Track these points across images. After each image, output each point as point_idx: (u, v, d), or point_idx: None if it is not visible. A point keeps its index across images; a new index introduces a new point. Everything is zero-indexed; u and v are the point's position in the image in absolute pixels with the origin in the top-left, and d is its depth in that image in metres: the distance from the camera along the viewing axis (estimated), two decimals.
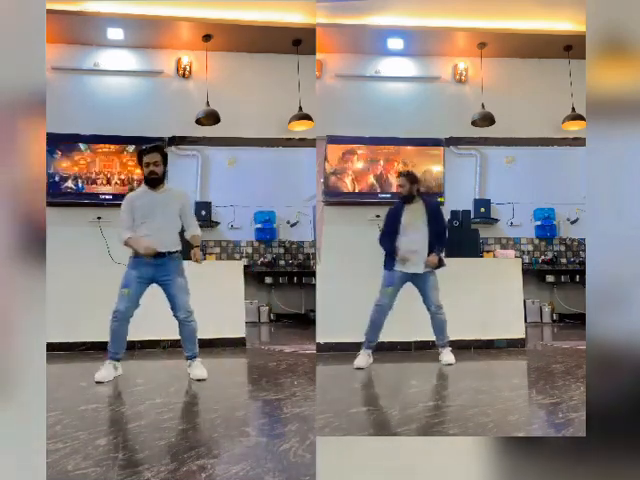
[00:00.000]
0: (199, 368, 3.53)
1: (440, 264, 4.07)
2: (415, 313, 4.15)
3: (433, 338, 4.18)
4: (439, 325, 4.10)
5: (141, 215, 3.53)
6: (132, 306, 3.52)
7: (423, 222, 4.10)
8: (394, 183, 5.01)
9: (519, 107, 5.33)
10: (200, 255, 3.55)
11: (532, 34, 5.11)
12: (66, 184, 4.83)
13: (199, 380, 3.43)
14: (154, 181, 3.55)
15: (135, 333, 4.73)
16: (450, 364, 4.00)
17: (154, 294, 4.83)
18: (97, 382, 3.38)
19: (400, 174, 4.29)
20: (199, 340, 4.42)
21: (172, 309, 3.57)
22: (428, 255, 4.02)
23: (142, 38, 5.09)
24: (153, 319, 4.75)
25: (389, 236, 4.14)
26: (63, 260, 4.56)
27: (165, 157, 3.61)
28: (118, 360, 3.59)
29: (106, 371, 3.49)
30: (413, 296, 4.05)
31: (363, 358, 3.99)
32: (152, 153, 3.54)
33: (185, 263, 4.50)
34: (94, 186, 4.89)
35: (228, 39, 5.10)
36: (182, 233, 3.66)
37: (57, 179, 4.82)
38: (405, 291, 4.07)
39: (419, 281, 4.08)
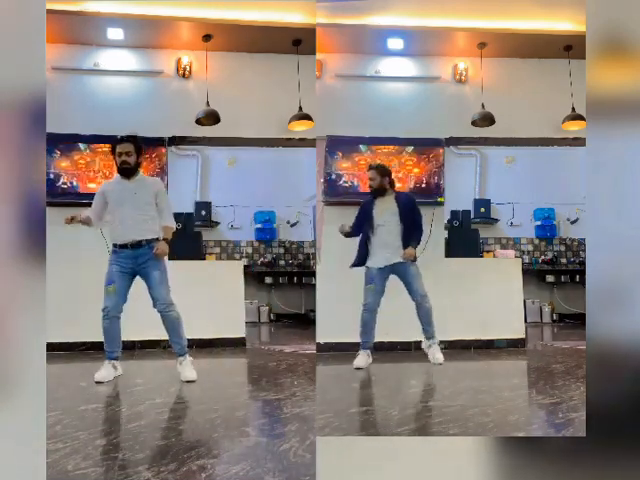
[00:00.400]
0: (188, 369, 3.49)
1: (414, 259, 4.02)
2: (414, 315, 4.15)
3: (425, 346, 4.15)
4: (425, 314, 4.02)
5: (113, 204, 3.55)
6: (120, 302, 3.53)
7: (395, 215, 4.04)
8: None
9: (519, 107, 5.32)
10: (164, 249, 3.48)
11: (532, 34, 5.10)
12: (61, 182, 4.81)
13: (188, 382, 3.39)
14: (126, 171, 3.55)
15: (135, 333, 4.77)
16: (440, 363, 3.95)
17: None
18: (97, 382, 3.37)
19: (370, 167, 4.22)
20: (199, 340, 4.43)
21: (152, 300, 3.55)
22: (404, 248, 3.97)
23: (142, 38, 5.09)
24: (153, 319, 4.76)
25: (357, 231, 4.13)
26: (63, 260, 4.56)
27: (139, 148, 3.60)
28: (116, 359, 3.59)
29: (106, 371, 3.49)
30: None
31: (362, 358, 3.98)
32: (124, 143, 3.55)
33: (184, 263, 4.52)
34: (93, 185, 4.88)
35: (228, 39, 5.09)
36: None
37: (52, 177, 4.82)
38: (405, 291, 4.06)
39: (399, 272, 4.03)
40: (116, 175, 3.65)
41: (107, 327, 3.56)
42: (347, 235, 4.15)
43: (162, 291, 3.51)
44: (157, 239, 3.50)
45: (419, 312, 4.03)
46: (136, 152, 3.56)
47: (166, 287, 3.53)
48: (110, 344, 3.58)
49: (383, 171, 4.14)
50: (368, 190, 4.21)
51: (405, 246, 3.98)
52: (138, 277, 3.54)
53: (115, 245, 3.53)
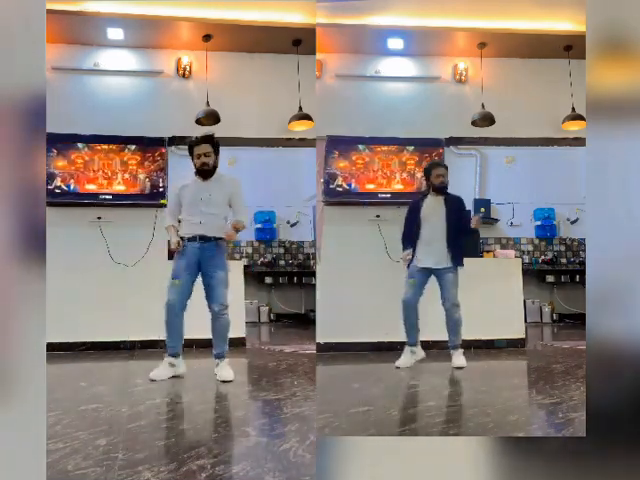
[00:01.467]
0: (226, 369, 3.52)
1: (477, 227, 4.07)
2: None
3: (433, 338, 4.17)
4: (453, 324, 3.99)
5: (188, 204, 3.56)
6: (184, 296, 3.51)
7: (443, 214, 4.04)
8: (394, 182, 5.01)
9: (519, 107, 5.32)
10: (232, 235, 3.58)
11: (532, 34, 5.10)
12: (55, 184, 4.79)
13: (225, 382, 3.42)
14: (206, 172, 3.55)
15: (136, 333, 4.78)
16: (460, 367, 3.91)
17: (154, 295, 4.83)
18: (151, 380, 3.40)
19: (438, 164, 4.26)
20: (199, 340, 4.42)
21: (207, 299, 3.56)
22: (450, 253, 3.98)
23: (142, 38, 5.09)
24: (153, 319, 4.76)
25: (409, 230, 4.11)
26: (63, 260, 4.56)
27: (217, 147, 3.60)
28: (176, 356, 3.58)
29: (162, 369, 3.51)
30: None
31: (405, 357, 3.96)
32: (203, 144, 3.53)
33: None
34: (92, 186, 4.88)
35: (228, 39, 5.09)
36: None
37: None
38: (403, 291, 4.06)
39: (438, 276, 4.01)
40: (194, 176, 3.65)
41: (170, 321, 3.53)
42: (406, 259, 4.10)
43: (222, 291, 3.54)
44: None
45: (447, 321, 4.00)
46: (214, 152, 3.58)
47: (226, 288, 3.57)
48: (171, 339, 3.56)
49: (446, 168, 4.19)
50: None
51: (453, 249, 3.98)
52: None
53: (183, 239, 3.54)
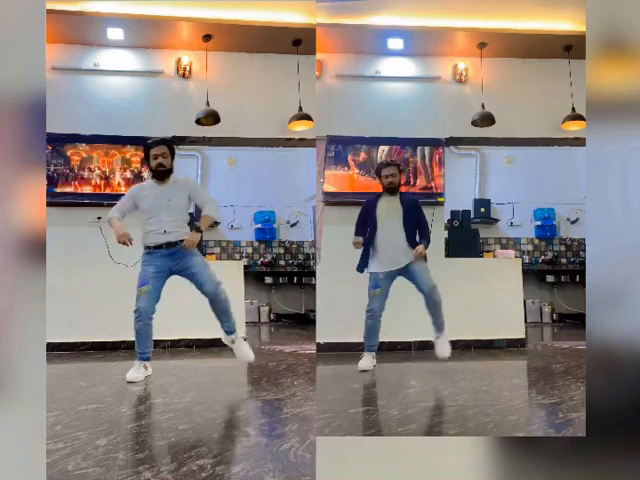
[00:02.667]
0: (244, 348, 3.68)
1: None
2: (415, 313, 4.15)
3: (433, 338, 4.15)
4: (434, 306, 3.88)
5: (147, 210, 3.53)
6: (153, 303, 3.52)
7: (400, 216, 3.91)
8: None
9: (519, 107, 5.33)
10: (194, 239, 3.47)
11: (532, 34, 5.10)
12: (54, 184, 4.79)
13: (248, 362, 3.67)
14: (162, 173, 3.54)
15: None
16: (445, 357, 3.91)
17: None
18: (129, 382, 3.38)
19: (387, 163, 4.10)
20: (199, 340, 4.43)
21: (199, 288, 3.55)
22: (412, 248, 3.85)
23: (142, 38, 5.09)
24: (153, 319, 4.76)
25: (364, 232, 3.95)
26: (63, 260, 4.57)
27: (172, 150, 3.60)
28: (147, 360, 3.59)
29: (136, 372, 3.50)
30: (413, 296, 4.03)
31: (367, 360, 3.89)
32: (159, 146, 3.53)
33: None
34: (92, 186, 4.87)
35: (228, 39, 5.10)
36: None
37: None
38: (405, 290, 4.05)
39: (406, 272, 3.90)
40: (148, 179, 3.66)
41: (140, 329, 3.54)
42: (358, 243, 3.94)
43: (207, 271, 3.54)
44: None
45: (428, 304, 3.88)
46: (170, 154, 3.57)
47: (210, 268, 3.57)
48: (142, 345, 3.57)
49: (400, 168, 4.08)
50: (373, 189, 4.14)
51: (413, 245, 3.86)
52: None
53: (149, 247, 3.52)
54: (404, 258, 3.88)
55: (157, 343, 4.71)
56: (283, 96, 5.13)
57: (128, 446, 2.23)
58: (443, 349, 3.95)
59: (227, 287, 5.01)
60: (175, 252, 3.49)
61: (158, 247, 3.49)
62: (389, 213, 3.95)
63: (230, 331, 3.64)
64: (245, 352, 3.69)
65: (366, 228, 3.97)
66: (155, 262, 3.49)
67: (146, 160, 3.62)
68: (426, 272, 3.90)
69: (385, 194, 4.02)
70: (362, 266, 3.96)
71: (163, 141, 3.58)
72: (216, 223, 3.56)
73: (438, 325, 3.95)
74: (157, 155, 3.51)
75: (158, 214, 3.50)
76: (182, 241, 3.48)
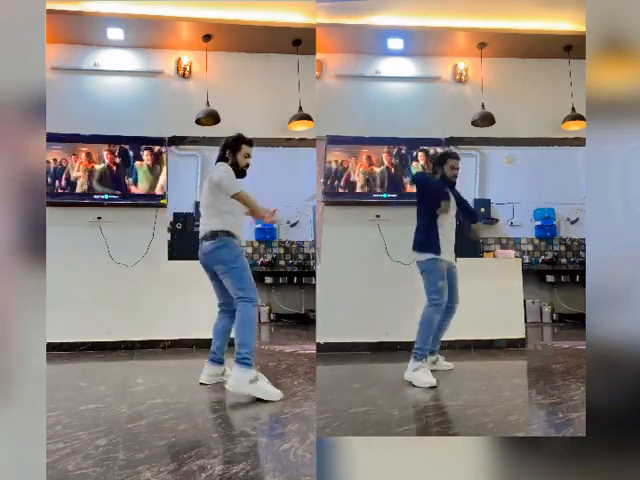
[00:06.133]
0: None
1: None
2: (415, 313, 4.14)
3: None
4: (449, 320, 3.79)
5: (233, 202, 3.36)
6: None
7: (454, 211, 3.79)
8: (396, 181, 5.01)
9: (519, 107, 5.33)
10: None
11: (532, 34, 5.10)
12: (54, 184, 4.80)
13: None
14: (244, 174, 3.46)
15: (136, 333, 4.78)
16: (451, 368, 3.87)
17: (154, 295, 4.84)
18: (201, 383, 3.34)
19: (454, 155, 3.85)
20: (199, 340, 4.42)
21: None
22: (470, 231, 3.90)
23: (142, 38, 5.09)
24: (153, 319, 4.77)
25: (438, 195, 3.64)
26: (63, 260, 4.56)
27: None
28: (219, 362, 3.45)
29: (208, 371, 3.43)
30: (414, 295, 4.03)
31: (427, 370, 3.50)
32: (250, 146, 3.48)
33: (184, 263, 4.53)
34: (91, 186, 4.87)
35: (228, 39, 5.10)
36: None
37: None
38: (407, 288, 4.05)
39: (449, 274, 3.70)
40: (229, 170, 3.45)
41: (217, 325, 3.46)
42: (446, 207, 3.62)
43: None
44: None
45: (447, 320, 3.76)
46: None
47: None
48: (214, 344, 3.45)
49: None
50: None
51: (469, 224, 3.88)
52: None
53: (234, 236, 3.33)
54: (452, 256, 3.76)
55: (157, 343, 4.74)
56: (283, 96, 5.13)
57: (128, 446, 2.23)
58: (444, 362, 3.92)
59: None
60: None
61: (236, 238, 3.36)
62: (453, 204, 3.76)
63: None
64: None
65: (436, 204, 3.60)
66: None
67: (232, 153, 3.42)
68: (457, 285, 3.81)
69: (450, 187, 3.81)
70: (427, 247, 3.59)
71: (252, 142, 3.52)
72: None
73: (438, 344, 3.89)
74: (249, 154, 3.46)
75: (239, 210, 3.42)
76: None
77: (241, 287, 3.19)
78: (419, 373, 3.42)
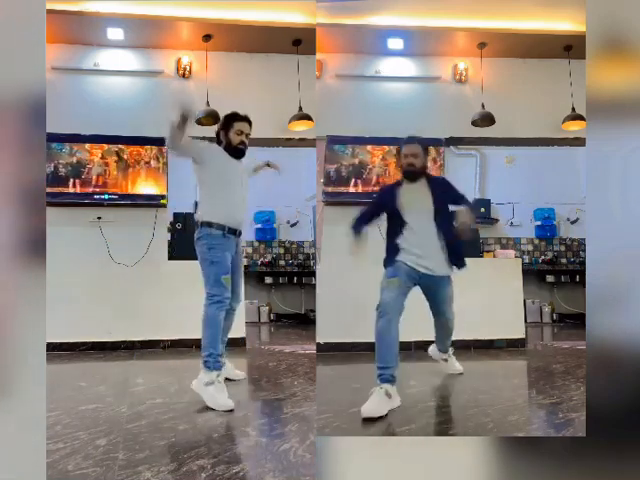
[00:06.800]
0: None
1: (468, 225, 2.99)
2: (415, 313, 4.14)
3: (433, 338, 4.15)
4: (446, 334, 3.49)
5: (220, 176, 3.14)
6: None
7: (427, 205, 3.11)
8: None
9: (519, 107, 5.33)
10: None
11: (532, 34, 5.10)
12: (54, 184, 4.80)
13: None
14: (241, 152, 3.23)
15: (136, 333, 4.78)
16: (460, 371, 3.66)
17: (154, 295, 4.84)
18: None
19: (410, 139, 3.22)
20: (198, 340, 4.42)
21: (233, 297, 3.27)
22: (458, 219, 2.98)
23: (142, 38, 5.09)
24: (154, 319, 4.77)
25: (366, 221, 3.25)
26: (63, 260, 4.57)
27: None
28: (219, 368, 3.02)
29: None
30: (414, 295, 4.02)
31: (376, 400, 2.70)
32: (245, 122, 3.23)
33: (185, 263, 4.51)
34: (92, 186, 4.87)
35: (228, 39, 5.10)
36: None
37: None
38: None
39: (431, 285, 3.18)
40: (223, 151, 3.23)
41: (219, 320, 3.09)
42: (356, 231, 3.24)
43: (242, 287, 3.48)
44: None
45: (437, 329, 3.46)
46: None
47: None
48: (211, 343, 3.06)
49: (425, 147, 3.25)
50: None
51: (448, 248, 3.10)
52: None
53: (223, 228, 3.08)
54: (433, 264, 3.10)
55: (157, 343, 4.74)
56: (283, 96, 5.13)
57: (128, 446, 2.23)
58: (456, 365, 3.71)
59: None
60: (238, 244, 3.31)
61: (232, 232, 3.15)
62: (412, 203, 3.15)
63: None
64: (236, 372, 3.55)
65: (375, 218, 3.29)
66: (230, 249, 3.16)
67: (224, 133, 3.23)
68: (450, 301, 3.27)
69: (405, 181, 3.22)
70: (390, 260, 3.17)
71: (247, 118, 3.25)
72: None
73: (445, 347, 3.63)
74: (242, 131, 3.21)
75: (234, 188, 3.24)
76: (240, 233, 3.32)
77: (206, 283, 3.07)
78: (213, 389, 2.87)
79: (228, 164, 3.20)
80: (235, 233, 3.19)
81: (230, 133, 3.22)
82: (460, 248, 3.18)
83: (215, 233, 3.07)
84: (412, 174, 3.17)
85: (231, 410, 2.79)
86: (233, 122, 3.22)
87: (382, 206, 3.26)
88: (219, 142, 3.27)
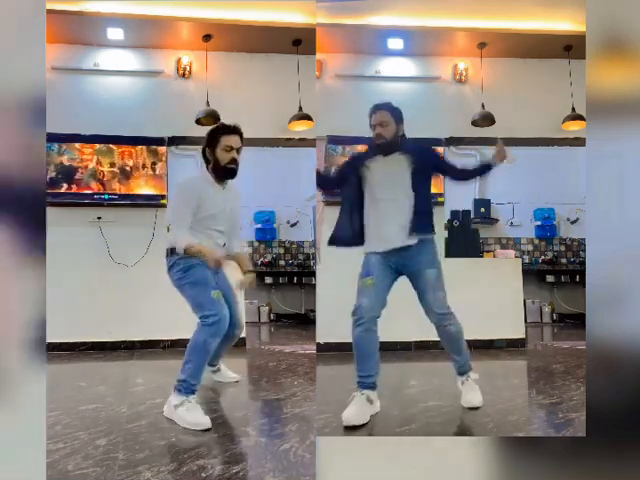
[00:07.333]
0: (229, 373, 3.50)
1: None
2: (415, 312, 4.13)
3: (433, 338, 4.13)
4: (449, 338, 2.83)
5: (211, 214, 2.81)
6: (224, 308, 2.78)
7: (403, 178, 2.75)
8: None
9: (519, 107, 5.33)
10: (252, 282, 2.90)
11: (532, 34, 5.11)
12: (54, 184, 4.81)
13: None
14: (231, 173, 2.81)
15: (136, 333, 4.78)
16: (474, 407, 2.77)
17: (154, 295, 4.83)
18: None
19: (377, 107, 2.84)
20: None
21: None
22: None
23: (142, 38, 5.09)
24: (153, 319, 4.77)
25: (333, 184, 3.03)
26: (63, 260, 4.56)
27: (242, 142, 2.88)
28: (193, 392, 2.69)
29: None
30: (414, 295, 4.00)
31: (355, 407, 2.58)
32: (235, 135, 2.81)
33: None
34: (91, 186, 4.87)
35: (228, 39, 5.10)
36: None
37: None
38: (406, 289, 4.04)
39: (412, 271, 2.75)
40: (207, 174, 2.88)
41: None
42: (321, 181, 2.99)
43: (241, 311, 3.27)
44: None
45: (440, 336, 2.85)
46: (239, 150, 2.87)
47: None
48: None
49: (398, 113, 2.89)
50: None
51: (422, 222, 2.73)
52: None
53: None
54: (394, 236, 2.73)
55: (157, 343, 4.74)
56: (283, 96, 5.13)
57: (128, 446, 2.23)
58: (468, 397, 2.82)
59: None
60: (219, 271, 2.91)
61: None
62: (385, 178, 2.79)
63: (216, 363, 3.39)
64: (229, 374, 3.45)
65: (338, 186, 2.97)
66: (206, 267, 2.78)
67: (211, 151, 2.81)
68: (438, 288, 2.78)
69: (377, 155, 2.83)
70: (339, 239, 2.89)
71: (236, 130, 2.84)
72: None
73: (460, 364, 2.89)
74: (232, 147, 2.78)
75: (223, 220, 2.87)
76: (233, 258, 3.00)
77: (194, 307, 2.77)
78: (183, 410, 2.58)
79: (208, 196, 2.79)
80: None
81: (217, 150, 2.80)
82: (426, 215, 2.77)
83: (189, 257, 2.75)
84: (382, 147, 2.79)
85: (208, 429, 2.44)
86: (220, 137, 2.81)
87: (345, 179, 2.88)
88: (207, 161, 2.88)
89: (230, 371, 3.51)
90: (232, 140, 2.81)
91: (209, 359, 2.74)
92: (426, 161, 2.86)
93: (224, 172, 2.82)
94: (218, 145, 2.80)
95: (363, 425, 2.52)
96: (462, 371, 2.89)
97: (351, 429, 2.47)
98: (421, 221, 2.74)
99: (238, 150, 2.83)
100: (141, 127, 4.95)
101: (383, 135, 2.78)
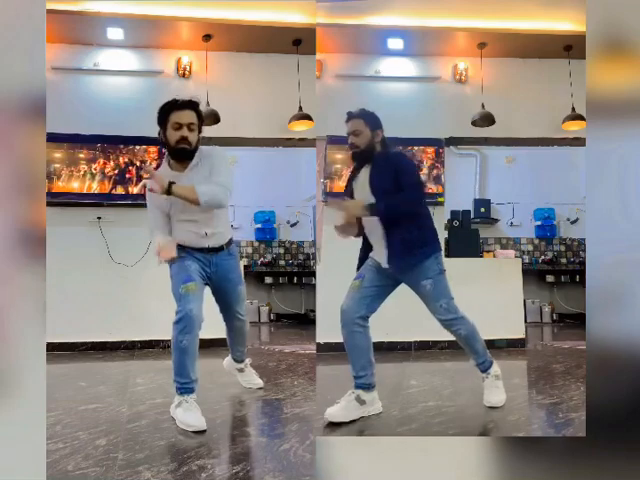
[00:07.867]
0: (253, 374, 3.33)
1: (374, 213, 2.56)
2: (415, 313, 4.13)
3: (433, 338, 4.14)
4: (464, 340, 2.86)
5: (176, 205, 2.58)
6: (200, 305, 2.67)
7: (368, 192, 2.63)
8: None
9: (519, 107, 5.33)
10: (164, 185, 2.37)
11: (532, 34, 5.11)
12: (54, 184, 4.81)
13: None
14: (183, 153, 2.50)
15: (136, 333, 4.78)
16: (496, 405, 2.76)
17: (154, 295, 4.83)
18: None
19: (349, 115, 2.72)
20: (199, 340, 4.41)
21: (226, 307, 2.95)
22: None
23: (142, 38, 5.09)
24: (153, 319, 4.77)
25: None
26: (63, 260, 4.57)
27: (201, 120, 2.57)
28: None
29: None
30: (414, 295, 4.01)
31: (342, 404, 2.62)
32: (185, 110, 2.47)
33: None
34: (91, 186, 4.87)
35: (228, 39, 5.10)
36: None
37: None
38: (406, 289, 4.04)
39: (408, 280, 2.76)
40: (164, 163, 2.66)
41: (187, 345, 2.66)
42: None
43: (243, 289, 3.03)
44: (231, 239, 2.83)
45: (456, 338, 2.85)
46: (198, 127, 2.55)
47: (244, 286, 3.08)
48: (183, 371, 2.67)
49: (373, 120, 2.68)
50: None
51: (395, 239, 2.62)
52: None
53: (183, 246, 2.71)
54: (378, 255, 2.76)
55: (157, 343, 4.74)
56: (283, 96, 5.13)
57: (128, 446, 2.23)
58: (490, 397, 2.81)
59: None
60: (217, 262, 2.77)
61: (198, 250, 2.72)
62: (359, 189, 2.73)
63: (242, 359, 3.26)
64: (253, 378, 3.31)
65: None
66: (195, 259, 2.67)
67: (162, 132, 2.54)
68: (440, 296, 2.73)
69: (355, 165, 2.77)
70: (361, 256, 2.93)
71: (190, 104, 2.49)
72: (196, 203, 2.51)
73: (479, 361, 2.87)
74: (181, 124, 2.46)
75: (189, 213, 2.59)
76: (228, 244, 2.81)
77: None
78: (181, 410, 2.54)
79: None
80: (205, 250, 2.71)
81: (167, 131, 2.48)
82: (399, 244, 2.62)
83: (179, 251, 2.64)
84: (356, 156, 2.69)
85: (202, 431, 2.39)
86: (168, 114, 2.47)
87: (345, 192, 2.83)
88: (162, 145, 2.62)
89: (256, 375, 3.34)
90: (182, 116, 2.47)
91: (189, 357, 2.60)
92: (382, 173, 2.61)
93: (175, 154, 2.52)
94: (167, 124, 2.49)
95: (349, 423, 2.53)
96: (482, 369, 2.87)
97: (336, 425, 2.51)
98: (395, 251, 2.64)
99: (190, 127, 2.49)
100: (141, 127, 4.94)
101: (356, 144, 2.66)
